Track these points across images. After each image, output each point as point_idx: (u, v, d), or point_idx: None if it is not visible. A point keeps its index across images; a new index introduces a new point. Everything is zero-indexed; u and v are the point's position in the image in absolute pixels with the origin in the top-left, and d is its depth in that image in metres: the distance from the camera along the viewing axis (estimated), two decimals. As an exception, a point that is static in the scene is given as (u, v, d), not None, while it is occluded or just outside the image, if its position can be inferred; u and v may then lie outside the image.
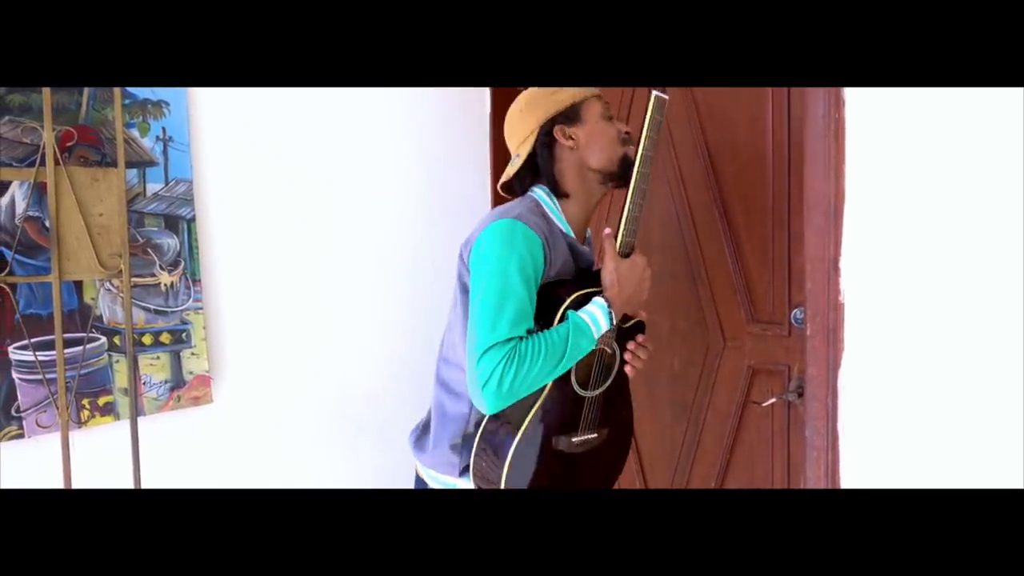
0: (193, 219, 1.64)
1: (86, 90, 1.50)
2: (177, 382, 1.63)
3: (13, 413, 1.44)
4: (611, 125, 1.36)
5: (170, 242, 1.62)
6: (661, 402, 1.90)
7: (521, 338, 1.17)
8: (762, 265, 1.67)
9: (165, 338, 1.62)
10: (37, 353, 1.46)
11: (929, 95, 1.22)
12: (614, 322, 1.26)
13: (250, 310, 1.74)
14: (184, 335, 1.64)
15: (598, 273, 1.31)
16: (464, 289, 1.28)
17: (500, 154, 2.14)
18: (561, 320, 1.23)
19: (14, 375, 1.44)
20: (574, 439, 1.31)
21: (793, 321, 1.60)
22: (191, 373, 1.65)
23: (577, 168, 1.34)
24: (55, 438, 1.47)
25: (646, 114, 1.29)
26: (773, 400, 1.60)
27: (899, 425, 1.30)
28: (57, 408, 1.47)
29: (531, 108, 1.34)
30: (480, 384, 1.14)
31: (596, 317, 1.23)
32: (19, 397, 1.45)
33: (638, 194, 1.29)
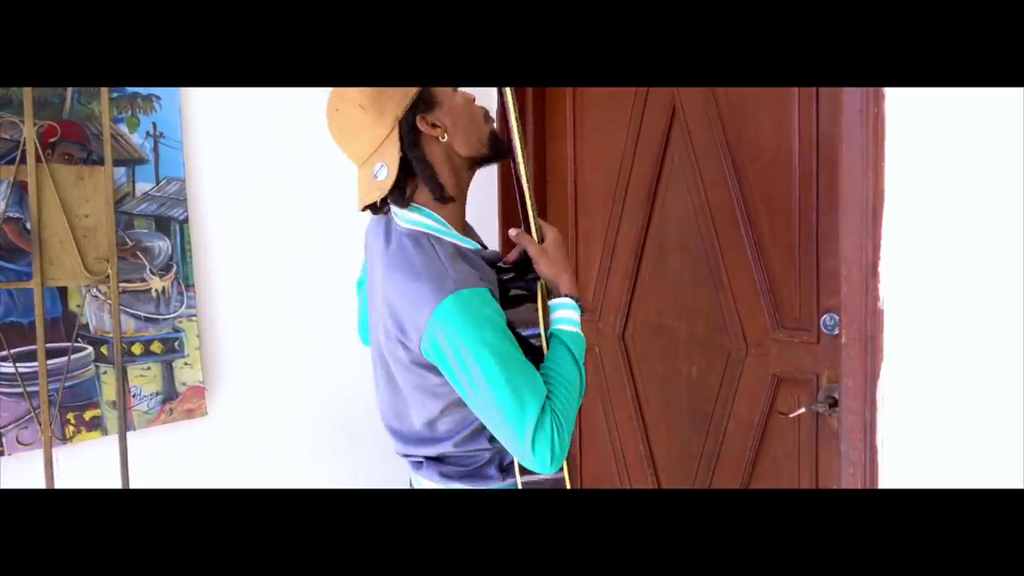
0: (186, 220, 1.54)
1: (71, 82, 1.41)
2: (169, 394, 1.53)
3: (-8, 429, 1.34)
4: (464, 97, 1.17)
5: (161, 245, 1.52)
6: (678, 411, 1.81)
7: (548, 395, 1.07)
8: (788, 268, 1.58)
9: (156, 347, 1.52)
10: (17, 364, 1.36)
11: (973, 91, 1.15)
12: (580, 302, 1.19)
13: (246, 317, 1.64)
14: (176, 344, 1.54)
15: (521, 267, 1.21)
16: (409, 367, 1.13)
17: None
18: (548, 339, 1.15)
19: (-7, 388, 1.34)
20: None
21: (823, 327, 1.52)
22: (184, 384, 1.55)
23: (446, 158, 1.14)
24: (37, 455, 1.37)
25: (511, 107, 1.17)
26: (802, 411, 1.52)
27: (944, 440, 1.22)
28: (39, 423, 1.37)
29: (378, 104, 1.09)
30: (545, 462, 1.05)
31: (571, 318, 1.16)
32: (-2, 412, 1.35)
33: (527, 181, 1.20)
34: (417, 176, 1.12)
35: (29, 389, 1.37)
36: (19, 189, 1.35)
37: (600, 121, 1.94)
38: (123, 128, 1.47)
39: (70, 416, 1.42)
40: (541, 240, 1.20)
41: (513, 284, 1.20)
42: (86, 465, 1.43)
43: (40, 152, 1.34)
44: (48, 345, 1.37)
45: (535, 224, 1.21)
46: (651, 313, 1.84)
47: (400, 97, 1.10)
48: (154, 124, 1.51)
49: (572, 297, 1.17)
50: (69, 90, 1.40)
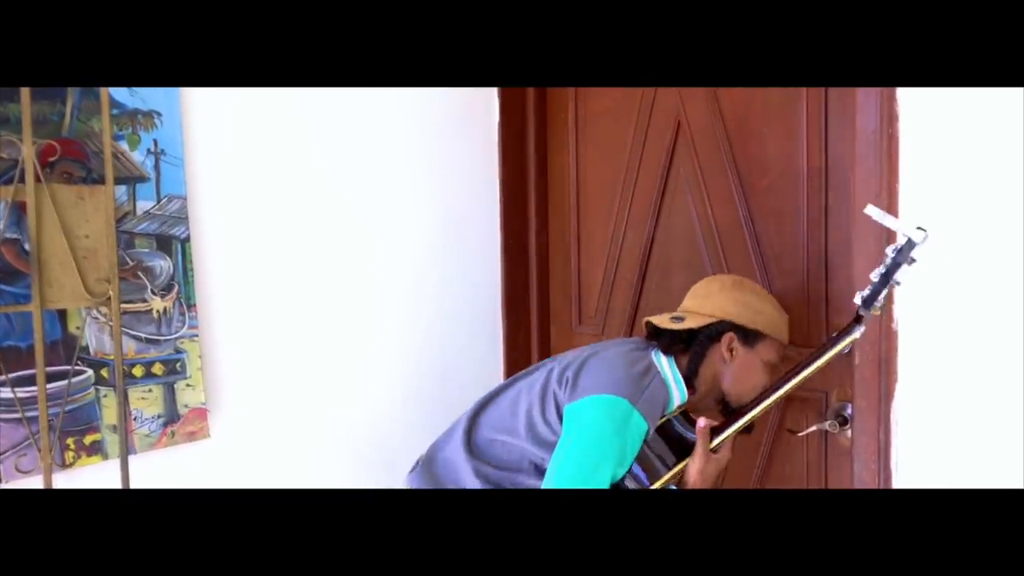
0: (187, 239, 1.51)
1: (70, 100, 1.37)
2: (171, 416, 1.50)
3: (-11, 457, 1.31)
4: (767, 374, 1.34)
5: (162, 264, 1.49)
6: (683, 428, 1.80)
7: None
8: (796, 287, 1.58)
9: (158, 369, 1.48)
10: (16, 389, 1.32)
11: (990, 109, 1.15)
12: None
13: (250, 337, 1.61)
14: (178, 365, 1.50)
15: (677, 439, 1.30)
16: (545, 399, 1.30)
17: (508, 166, 2.04)
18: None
19: (-10, 414, 1.31)
20: None
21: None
22: (186, 406, 1.51)
23: (713, 373, 1.33)
24: (36, 482, 1.33)
25: (832, 343, 1.24)
26: (812, 429, 1.51)
27: (958, 463, 1.22)
28: (39, 449, 1.33)
29: (728, 298, 1.33)
30: None
31: None
32: (-4, 439, 1.31)
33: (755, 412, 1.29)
34: (688, 352, 1.32)
35: (28, 414, 1.33)
36: (17, 210, 1.31)
37: (603, 133, 1.93)
38: (123, 145, 1.43)
39: (70, 441, 1.38)
40: (715, 450, 1.28)
41: (679, 431, 1.30)
42: (86, 491, 1.39)
43: (39, 172, 1.31)
44: (48, 369, 1.34)
45: (724, 437, 1.28)
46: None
47: (740, 314, 1.32)
48: (155, 141, 1.47)
49: None
50: (68, 107, 1.37)
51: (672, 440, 1.29)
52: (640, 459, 1.22)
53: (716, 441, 1.27)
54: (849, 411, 1.44)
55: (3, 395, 1.31)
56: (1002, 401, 1.16)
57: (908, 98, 1.23)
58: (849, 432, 1.43)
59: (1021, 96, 1.11)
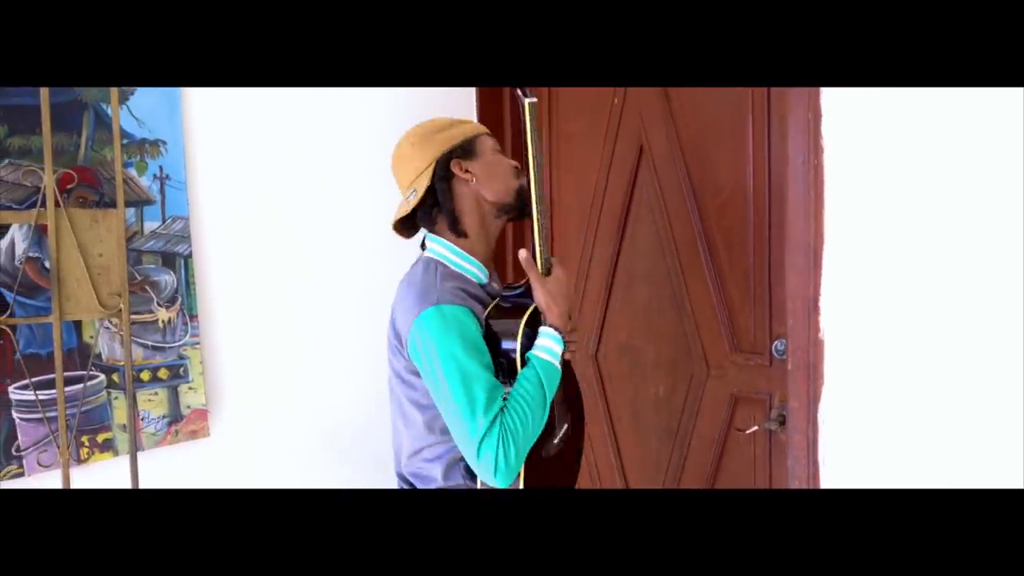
0: (190, 256, 1.67)
1: (84, 131, 1.53)
2: (175, 416, 1.65)
3: (13, 452, 1.46)
4: (503, 158, 1.38)
5: (167, 279, 1.64)
6: (646, 427, 1.96)
7: (502, 409, 1.19)
8: (744, 297, 1.73)
9: (163, 373, 1.64)
10: (37, 392, 1.47)
11: (905, 144, 1.30)
12: (565, 340, 1.31)
13: (247, 344, 1.76)
14: (182, 370, 1.66)
15: (518, 295, 1.36)
16: (405, 377, 1.32)
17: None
18: (523, 364, 1.27)
19: (14, 415, 1.46)
20: (555, 441, 1.37)
21: (774, 352, 1.67)
22: (188, 407, 1.67)
23: (475, 202, 1.34)
24: (55, 475, 1.49)
25: (525, 122, 1.29)
26: (755, 428, 1.67)
27: (876, 457, 1.37)
28: (58, 446, 1.48)
29: (424, 143, 1.33)
30: (490, 473, 1.18)
31: (551, 348, 1.27)
32: (19, 436, 1.46)
33: (543, 212, 1.32)
34: (440, 206, 1.33)
35: (48, 414, 1.48)
36: (39, 231, 1.47)
37: (573, 155, 2.08)
38: (132, 172, 1.59)
39: (84, 439, 1.54)
40: (548, 272, 1.33)
41: (515, 300, 1.34)
42: (99, 484, 1.55)
43: (58, 197, 1.46)
44: (65, 374, 1.49)
45: (543, 256, 1.33)
46: (622, 336, 1.99)
47: (441, 143, 1.32)
48: (160, 167, 1.63)
49: (557, 329, 1.29)
50: (83, 138, 1.52)
51: (512, 308, 1.32)
52: (501, 335, 1.27)
53: (540, 261, 1.32)
54: (787, 412, 1.59)
55: (26, 397, 1.46)
56: (915, 401, 1.31)
57: (832, 130, 1.38)
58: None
59: (934, 124, 1.27)
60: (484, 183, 1.34)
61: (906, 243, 1.31)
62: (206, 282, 1.70)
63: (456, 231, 1.34)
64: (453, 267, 1.33)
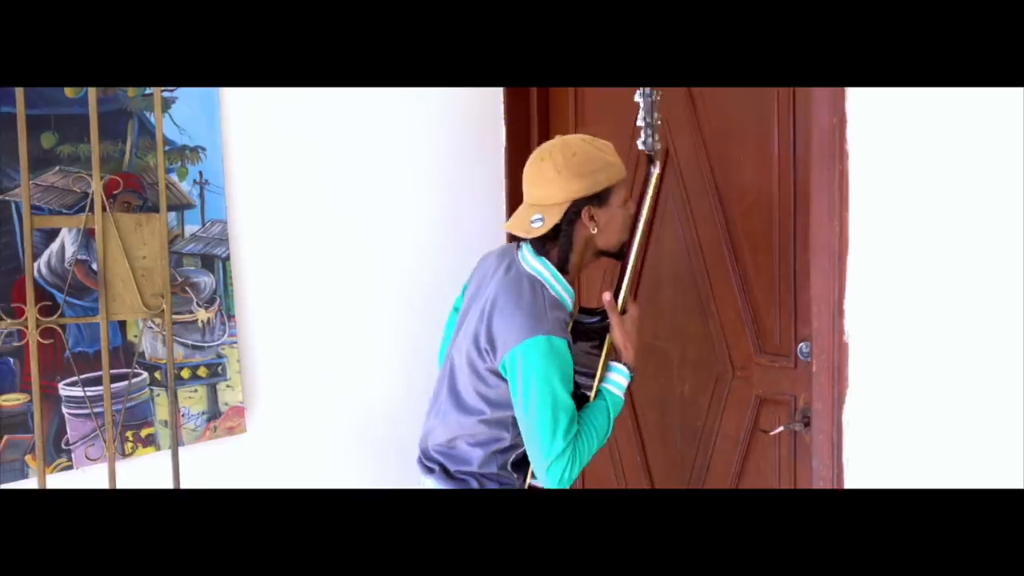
0: (228, 258, 1.73)
1: (129, 139, 1.59)
2: (213, 413, 1.71)
3: (63, 446, 1.53)
4: (625, 210, 1.46)
5: (206, 280, 1.70)
6: (671, 426, 1.98)
7: (576, 434, 1.34)
8: (769, 300, 1.75)
9: (202, 372, 1.70)
10: (85, 389, 1.54)
11: (930, 149, 1.31)
12: (633, 372, 1.44)
13: (282, 343, 1.82)
14: (220, 368, 1.72)
15: (596, 322, 1.46)
16: (480, 372, 1.41)
17: (513, 169, 2.21)
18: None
19: (64, 410, 1.53)
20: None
21: (799, 354, 1.68)
22: (226, 404, 1.73)
23: (585, 244, 1.44)
24: (102, 468, 1.55)
25: (648, 189, 1.42)
26: (780, 429, 1.68)
27: (901, 458, 1.38)
28: (104, 441, 1.55)
29: (571, 177, 1.35)
30: (554, 483, 1.34)
31: (621, 384, 1.43)
32: (68, 431, 1.53)
33: (634, 263, 1.44)
34: (557, 240, 1.41)
35: (95, 410, 1.55)
36: (87, 235, 1.53)
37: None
38: (174, 177, 1.65)
39: (128, 434, 1.61)
40: (623, 311, 1.44)
41: (591, 326, 1.45)
42: (143, 476, 1.61)
43: (105, 203, 1.52)
44: (111, 371, 1.56)
45: (624, 296, 1.44)
46: (648, 337, 2.01)
47: (583, 186, 1.37)
48: (200, 173, 1.69)
49: (628, 367, 1.43)
50: (128, 146, 1.59)
51: (586, 332, 1.45)
52: (577, 365, 1.39)
53: (620, 301, 1.43)
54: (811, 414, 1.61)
55: (75, 393, 1.53)
56: (939, 404, 1.32)
57: (856, 135, 1.40)
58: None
59: (953, 134, 1.28)
60: (603, 233, 1.43)
61: (930, 247, 1.32)
62: (243, 283, 1.76)
63: (561, 266, 1.43)
64: (552, 291, 1.41)
